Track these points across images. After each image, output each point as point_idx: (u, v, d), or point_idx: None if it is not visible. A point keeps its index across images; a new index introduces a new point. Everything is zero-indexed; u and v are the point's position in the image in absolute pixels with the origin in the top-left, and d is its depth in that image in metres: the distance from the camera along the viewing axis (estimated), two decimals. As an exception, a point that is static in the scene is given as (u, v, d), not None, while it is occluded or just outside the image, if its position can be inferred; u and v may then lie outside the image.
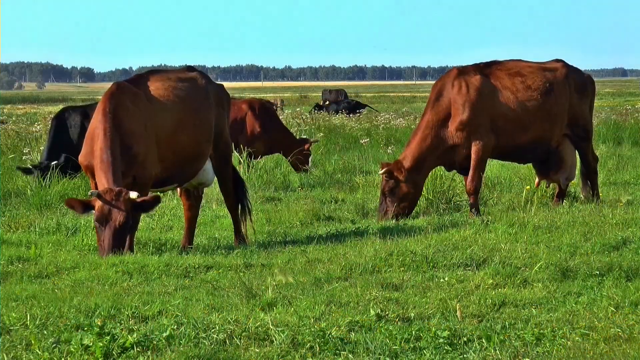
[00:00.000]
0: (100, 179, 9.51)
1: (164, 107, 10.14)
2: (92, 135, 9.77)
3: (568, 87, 13.11)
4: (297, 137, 20.09)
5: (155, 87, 10.23)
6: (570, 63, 13.42)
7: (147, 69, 12.57)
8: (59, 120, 16.42)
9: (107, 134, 9.63)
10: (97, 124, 9.75)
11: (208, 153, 10.60)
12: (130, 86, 10.11)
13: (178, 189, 10.97)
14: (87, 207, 9.42)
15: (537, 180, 13.41)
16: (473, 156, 12.45)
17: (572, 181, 13.54)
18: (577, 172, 13.65)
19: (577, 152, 13.37)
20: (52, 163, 15.35)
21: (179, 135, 10.21)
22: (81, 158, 9.90)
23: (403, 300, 7.46)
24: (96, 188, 9.56)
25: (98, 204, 9.32)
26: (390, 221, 11.98)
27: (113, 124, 9.69)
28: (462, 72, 12.72)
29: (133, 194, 9.31)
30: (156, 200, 9.52)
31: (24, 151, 17.92)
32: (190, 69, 10.99)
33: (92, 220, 9.60)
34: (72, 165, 15.29)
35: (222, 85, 11.11)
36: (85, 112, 16.42)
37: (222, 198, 11.30)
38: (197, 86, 10.61)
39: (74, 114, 16.55)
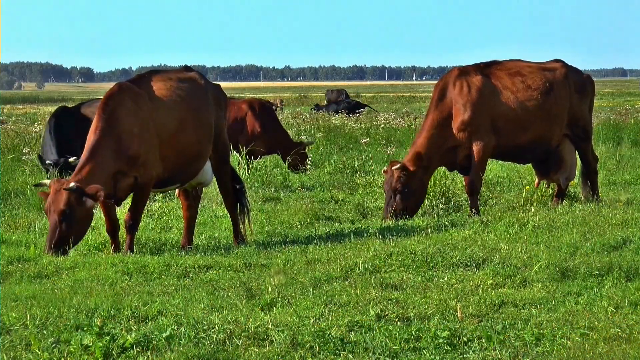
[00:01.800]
0: (75, 170, 9.75)
1: (166, 106, 10.18)
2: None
3: (568, 87, 13.12)
4: (296, 139, 20.13)
5: (157, 87, 10.27)
6: (570, 63, 13.43)
7: (146, 69, 12.60)
8: (57, 119, 16.61)
9: (97, 132, 9.76)
10: (93, 123, 9.87)
11: (209, 153, 10.62)
12: (133, 86, 10.15)
13: (177, 189, 11.00)
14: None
15: (537, 180, 13.42)
16: (474, 156, 12.45)
17: (572, 181, 13.55)
18: (577, 171, 13.66)
19: (577, 152, 13.38)
20: (71, 159, 15.51)
21: (181, 135, 10.23)
22: (87, 145, 10.01)
23: (403, 300, 7.46)
24: None
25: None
26: (397, 220, 11.90)
27: (107, 124, 9.78)
28: (463, 72, 12.72)
29: (71, 184, 9.46)
30: (97, 192, 9.52)
31: (24, 151, 17.90)
32: (187, 69, 11.01)
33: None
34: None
35: (219, 86, 11.13)
36: (79, 110, 16.69)
37: (222, 198, 11.32)
38: (198, 86, 10.64)
39: (69, 113, 16.80)
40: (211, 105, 10.67)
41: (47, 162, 16.04)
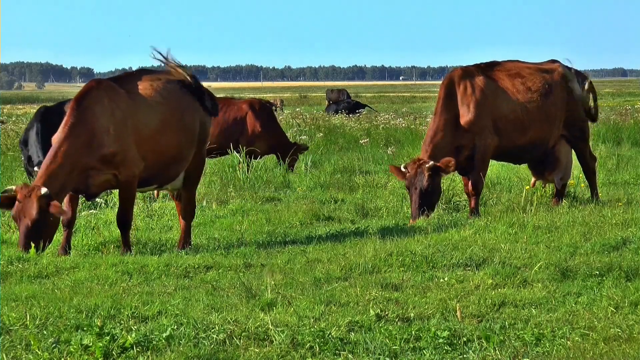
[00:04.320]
0: (40, 171, 9.73)
1: (148, 106, 10.12)
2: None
3: (565, 88, 13.13)
4: (296, 139, 20.23)
5: (143, 86, 10.23)
6: (569, 63, 13.44)
7: (146, 69, 12.54)
8: (44, 121, 16.51)
9: (65, 129, 9.75)
10: (65, 117, 9.86)
11: (191, 156, 10.56)
12: (111, 83, 10.09)
13: (156, 191, 10.98)
14: (12, 201, 9.67)
15: (532, 180, 13.47)
16: (477, 157, 12.43)
17: (572, 181, 13.55)
18: (577, 172, 13.67)
19: (575, 152, 13.39)
20: None
21: (161, 135, 10.17)
22: (53, 141, 9.99)
23: (403, 300, 7.46)
24: None
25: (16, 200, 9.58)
26: (427, 218, 11.89)
27: (78, 119, 9.75)
28: (467, 73, 12.68)
29: (43, 191, 9.47)
30: (60, 212, 9.55)
31: (24, 151, 17.88)
32: None
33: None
34: None
35: (209, 91, 11.08)
36: (62, 109, 16.57)
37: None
38: (187, 88, 10.57)
39: (53, 112, 16.66)
40: (198, 109, 10.61)
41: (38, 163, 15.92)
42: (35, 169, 15.81)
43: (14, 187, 9.76)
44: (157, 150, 10.13)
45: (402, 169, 12.24)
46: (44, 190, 9.49)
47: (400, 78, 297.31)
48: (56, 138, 9.77)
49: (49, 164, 9.66)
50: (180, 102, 10.41)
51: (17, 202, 9.60)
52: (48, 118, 16.40)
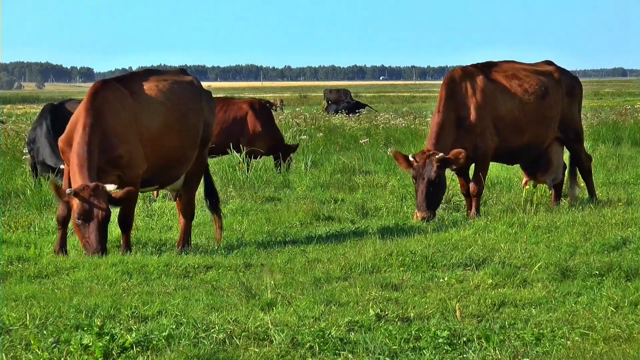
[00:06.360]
0: (75, 174, 9.57)
1: (152, 107, 10.10)
2: (74, 127, 9.77)
3: (560, 90, 13.16)
4: (296, 139, 20.26)
5: (148, 87, 10.21)
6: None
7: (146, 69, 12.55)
8: (53, 118, 16.45)
9: (87, 130, 9.64)
10: (78, 117, 9.77)
11: (193, 158, 10.55)
12: (117, 84, 10.06)
13: (155, 191, 10.98)
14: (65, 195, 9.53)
15: (524, 180, 13.49)
16: (477, 158, 12.42)
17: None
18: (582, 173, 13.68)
19: (570, 153, 13.42)
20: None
21: (165, 136, 10.15)
22: (60, 143, 9.93)
23: (403, 300, 7.47)
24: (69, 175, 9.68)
25: (76, 202, 9.37)
26: (434, 214, 11.91)
27: (94, 120, 9.68)
28: (467, 73, 12.66)
29: (110, 187, 9.42)
30: (128, 195, 9.56)
31: (24, 151, 17.90)
32: (183, 72, 10.95)
33: (72, 220, 9.61)
34: None
35: (210, 92, 11.07)
36: (66, 108, 16.50)
37: (207, 201, 11.29)
38: (191, 91, 10.57)
39: (59, 110, 16.59)
40: (203, 111, 10.62)
41: (62, 166, 15.85)
42: (62, 166, 15.76)
43: (71, 190, 9.43)
44: (161, 151, 10.12)
45: (410, 159, 12.18)
46: (111, 186, 9.42)
47: (381, 78, 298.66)
48: (78, 140, 9.59)
49: (83, 165, 9.49)
50: (185, 103, 10.41)
51: (82, 204, 9.34)
52: (57, 116, 16.37)
